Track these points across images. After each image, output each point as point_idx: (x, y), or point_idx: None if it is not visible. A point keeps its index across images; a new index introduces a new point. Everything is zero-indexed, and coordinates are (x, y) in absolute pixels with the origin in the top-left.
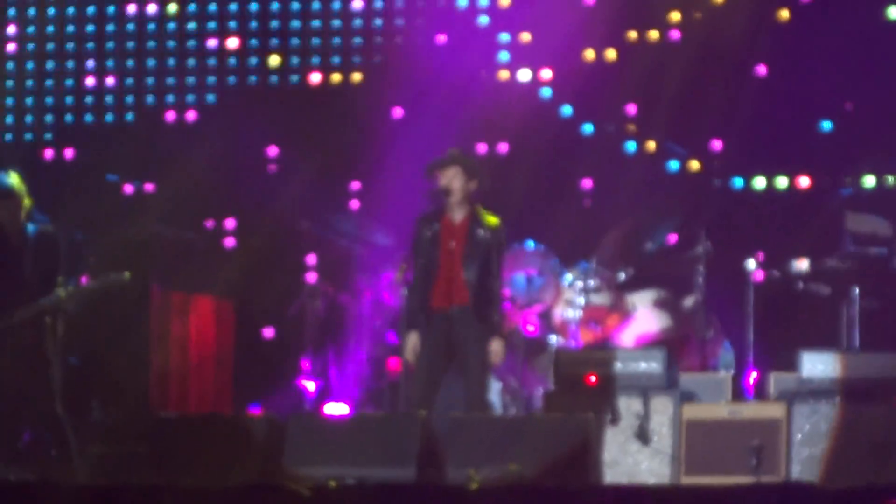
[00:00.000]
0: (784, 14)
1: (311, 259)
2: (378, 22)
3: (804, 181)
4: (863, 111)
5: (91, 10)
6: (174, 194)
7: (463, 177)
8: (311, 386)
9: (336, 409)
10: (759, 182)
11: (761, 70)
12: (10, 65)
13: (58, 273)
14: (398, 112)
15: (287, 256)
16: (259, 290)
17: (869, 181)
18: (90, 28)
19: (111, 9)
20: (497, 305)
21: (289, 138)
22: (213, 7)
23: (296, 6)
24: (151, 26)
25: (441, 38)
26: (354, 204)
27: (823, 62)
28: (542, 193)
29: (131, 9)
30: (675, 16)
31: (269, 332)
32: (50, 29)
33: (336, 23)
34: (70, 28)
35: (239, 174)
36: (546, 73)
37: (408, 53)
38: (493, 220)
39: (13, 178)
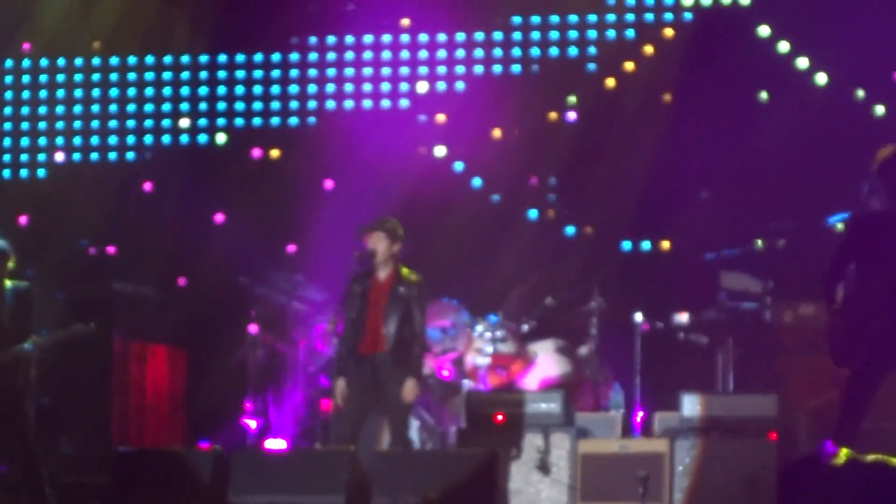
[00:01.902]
0: (667, 97)
1: (253, 312)
2: (312, 103)
3: (684, 244)
4: (735, 185)
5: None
6: (133, 255)
7: (387, 240)
8: (253, 424)
9: (275, 444)
10: (646, 244)
11: (648, 146)
12: None
13: (31, 324)
14: (329, 183)
15: (231, 310)
16: (207, 340)
17: (742, 244)
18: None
19: (60, 92)
20: (413, 350)
21: (233, 205)
22: (167, 91)
23: (240, 90)
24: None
25: (368, 119)
26: (291, 264)
27: (703, 139)
28: (455, 255)
29: (77, 93)
30: (572, 99)
31: (216, 377)
32: None
33: (275, 105)
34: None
35: (189, 237)
36: (459, 150)
37: (338, 132)
38: (413, 277)
39: (2, 243)
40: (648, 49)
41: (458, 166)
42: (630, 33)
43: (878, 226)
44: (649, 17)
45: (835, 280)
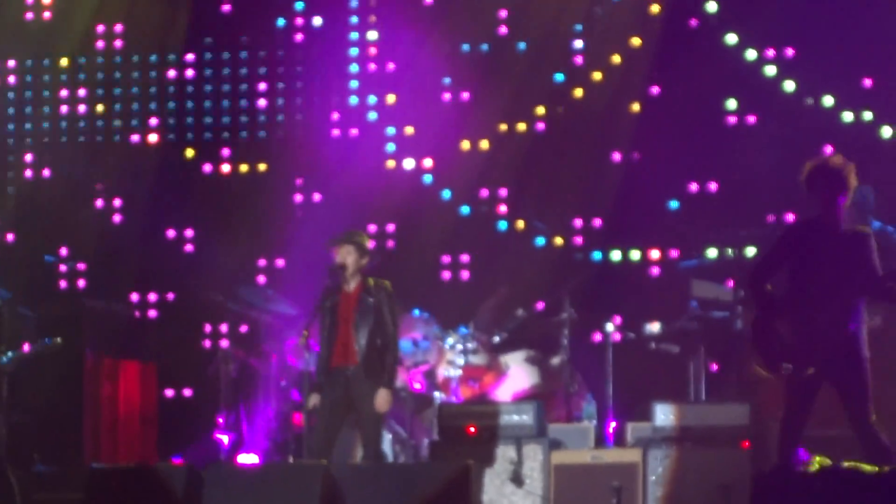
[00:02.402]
0: (636, 107)
1: (224, 327)
2: (280, 118)
3: (654, 253)
4: (705, 192)
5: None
6: (103, 270)
7: (355, 253)
8: (225, 439)
9: (248, 458)
10: (616, 255)
11: (616, 156)
12: None
13: (1, 341)
14: (298, 197)
15: (203, 325)
16: (179, 355)
17: (711, 253)
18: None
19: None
20: (386, 361)
21: (202, 219)
22: (135, 106)
23: (207, 104)
24: (82, 124)
25: (335, 132)
26: (261, 279)
27: (671, 148)
28: (425, 267)
29: (64, 108)
30: (541, 109)
31: (187, 392)
32: None
33: (244, 118)
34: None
35: (160, 253)
36: (427, 162)
37: (307, 146)
38: (380, 284)
39: None
40: (616, 58)
41: (427, 178)
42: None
43: (810, 234)
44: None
45: (763, 280)
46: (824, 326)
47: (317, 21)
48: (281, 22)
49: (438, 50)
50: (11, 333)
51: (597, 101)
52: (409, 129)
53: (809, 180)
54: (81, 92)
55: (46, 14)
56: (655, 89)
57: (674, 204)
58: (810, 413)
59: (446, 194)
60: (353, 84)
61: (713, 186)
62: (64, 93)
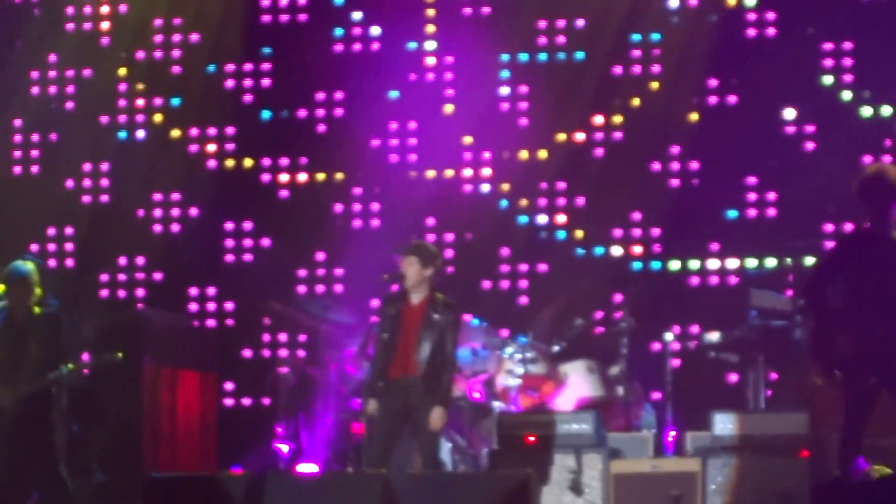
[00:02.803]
0: (694, 116)
1: (283, 337)
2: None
3: (713, 263)
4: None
5: None
6: (163, 280)
7: (418, 265)
8: (284, 448)
9: (307, 468)
10: (675, 264)
11: (675, 165)
12: None
13: (61, 351)
14: (357, 206)
15: (262, 335)
16: (238, 365)
17: (770, 262)
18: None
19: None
20: (443, 378)
21: (263, 231)
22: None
23: (266, 114)
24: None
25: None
26: (320, 287)
27: (730, 157)
28: (484, 277)
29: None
30: (598, 119)
31: (247, 402)
32: None
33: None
34: None
35: (219, 262)
36: (486, 171)
37: (365, 155)
38: (449, 303)
39: (29, 266)
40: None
41: (485, 188)
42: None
43: (864, 244)
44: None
45: (819, 290)
46: (881, 335)
47: (374, 31)
48: (339, 31)
49: (495, 60)
50: (70, 343)
51: (655, 110)
52: (468, 139)
53: (862, 189)
54: (140, 101)
55: (104, 24)
56: (713, 98)
57: (732, 213)
58: (868, 422)
59: (504, 203)
60: (415, 94)
61: (772, 196)
62: (122, 102)
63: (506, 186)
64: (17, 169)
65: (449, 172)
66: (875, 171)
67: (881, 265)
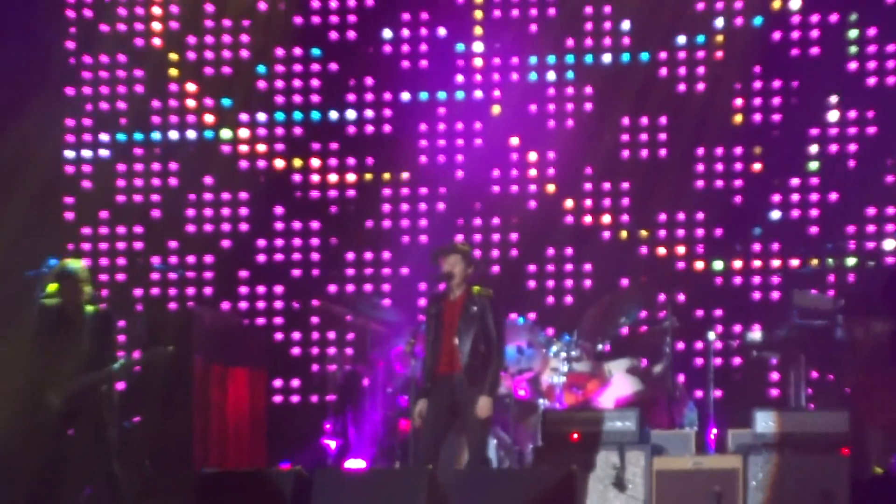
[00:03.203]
0: (738, 118)
1: (332, 334)
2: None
3: (756, 263)
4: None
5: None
6: (214, 279)
7: (462, 263)
8: (332, 444)
9: (355, 463)
10: (718, 265)
11: (719, 167)
12: None
13: (112, 348)
14: (405, 207)
15: (311, 333)
16: (287, 362)
17: (813, 263)
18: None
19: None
20: (489, 369)
21: (313, 230)
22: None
23: (317, 115)
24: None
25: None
26: (368, 287)
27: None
28: (530, 277)
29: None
30: (643, 120)
31: (296, 399)
32: None
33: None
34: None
35: (268, 262)
36: (532, 172)
37: (418, 155)
38: (484, 293)
39: (76, 264)
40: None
41: (531, 188)
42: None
43: None
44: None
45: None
46: None
47: (422, 32)
48: (388, 33)
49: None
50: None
51: (702, 113)
52: (514, 140)
53: None
54: (190, 102)
55: (156, 41)
56: (758, 100)
57: (775, 214)
58: None
59: (549, 204)
60: (477, 93)
61: (814, 197)
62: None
63: (551, 187)
64: (70, 168)
65: (495, 173)
66: None
67: None
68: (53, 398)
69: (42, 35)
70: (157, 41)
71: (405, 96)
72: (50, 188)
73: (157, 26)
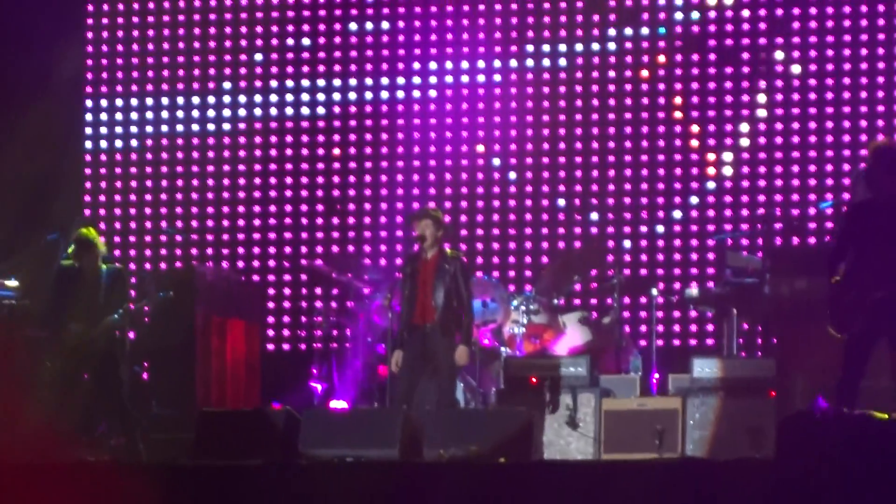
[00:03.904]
0: (678, 100)
1: (319, 290)
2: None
3: (693, 227)
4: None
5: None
6: (212, 240)
7: (433, 227)
8: (319, 387)
9: (338, 404)
10: (659, 229)
11: (660, 142)
12: None
13: (123, 301)
14: (384, 177)
15: (300, 289)
16: (279, 314)
17: (743, 227)
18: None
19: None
20: (463, 321)
21: (301, 197)
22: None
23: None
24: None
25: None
26: (351, 248)
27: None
28: (495, 240)
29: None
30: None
31: (286, 346)
32: None
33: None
34: None
35: (264, 226)
36: (496, 146)
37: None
38: (456, 254)
39: (91, 233)
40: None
41: (496, 162)
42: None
43: (872, 208)
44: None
45: (838, 260)
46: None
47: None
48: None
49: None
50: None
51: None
52: (480, 119)
53: (878, 157)
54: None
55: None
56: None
57: (710, 185)
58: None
59: (512, 176)
60: (432, 80)
61: (745, 169)
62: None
63: (513, 160)
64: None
65: (464, 148)
66: (884, 144)
67: (884, 231)
68: (82, 333)
69: None
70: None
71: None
72: (70, 153)
73: None
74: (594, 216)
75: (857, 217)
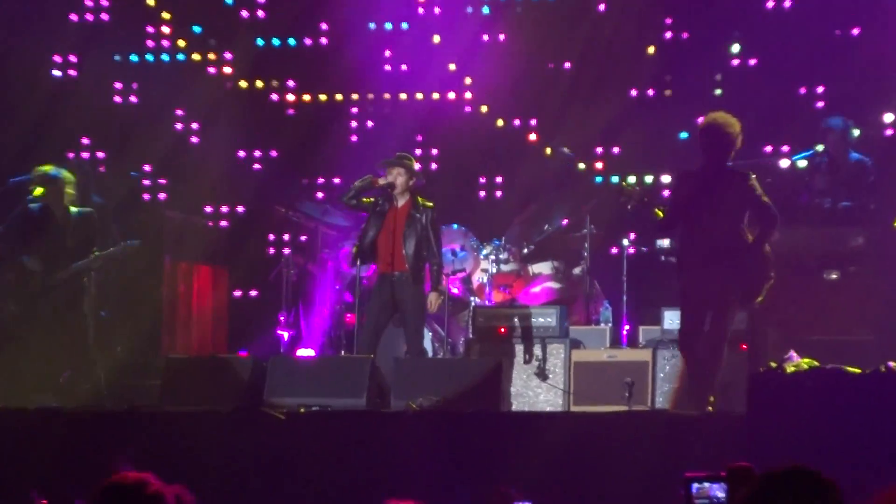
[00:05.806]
0: (651, 49)
1: (286, 236)
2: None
3: (665, 178)
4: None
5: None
6: (182, 185)
7: (405, 175)
8: (286, 335)
9: (305, 352)
10: (631, 179)
11: (633, 92)
12: None
13: (92, 245)
14: (353, 124)
15: (268, 235)
16: (246, 261)
17: None
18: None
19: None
20: (433, 268)
21: (271, 143)
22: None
23: (276, 41)
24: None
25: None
26: (320, 195)
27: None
28: (464, 187)
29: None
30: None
31: (254, 293)
32: None
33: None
34: None
35: (232, 171)
36: (468, 94)
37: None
38: (427, 204)
39: (60, 171)
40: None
41: (467, 109)
42: None
43: (696, 177)
44: None
45: (668, 226)
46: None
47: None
48: None
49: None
50: (103, 237)
51: (618, 42)
52: (452, 66)
53: (703, 132)
54: (165, 29)
55: None
56: (668, 34)
57: (683, 135)
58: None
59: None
60: (404, 25)
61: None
62: (150, 29)
63: (484, 108)
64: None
65: (435, 95)
66: (719, 117)
67: (715, 199)
68: (35, 266)
69: None
70: None
71: (354, 26)
72: (51, 99)
73: None
74: (567, 165)
75: (682, 184)
